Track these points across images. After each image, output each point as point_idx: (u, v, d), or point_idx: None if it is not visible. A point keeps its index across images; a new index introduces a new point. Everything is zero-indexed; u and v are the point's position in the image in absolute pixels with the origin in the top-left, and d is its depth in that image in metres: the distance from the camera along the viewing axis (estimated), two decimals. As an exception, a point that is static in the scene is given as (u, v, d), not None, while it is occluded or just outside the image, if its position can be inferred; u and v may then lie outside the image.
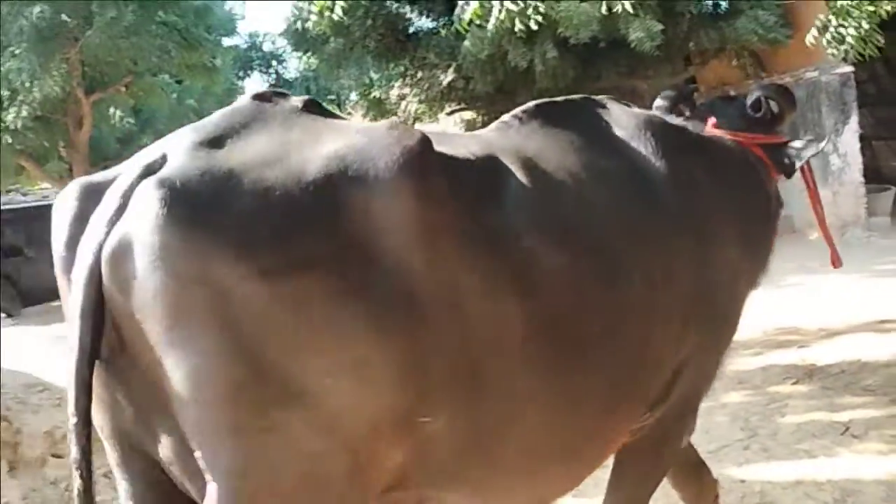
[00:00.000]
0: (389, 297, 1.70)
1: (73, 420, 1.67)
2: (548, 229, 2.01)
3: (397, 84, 15.39)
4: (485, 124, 16.31)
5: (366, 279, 1.68)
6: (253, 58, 35.87)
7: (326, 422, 1.66)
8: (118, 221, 1.64)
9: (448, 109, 16.19)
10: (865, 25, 5.76)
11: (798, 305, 8.24)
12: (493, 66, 13.13)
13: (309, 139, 1.78)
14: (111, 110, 19.80)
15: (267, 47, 35.67)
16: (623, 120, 2.52)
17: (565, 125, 2.38)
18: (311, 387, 1.64)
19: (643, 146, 2.45)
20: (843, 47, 5.72)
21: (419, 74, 14.53)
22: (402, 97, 15.51)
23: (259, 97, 1.90)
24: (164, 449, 1.74)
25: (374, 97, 16.07)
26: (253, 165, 1.68)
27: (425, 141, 1.83)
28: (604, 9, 7.98)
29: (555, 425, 2.07)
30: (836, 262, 3.14)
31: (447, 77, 14.62)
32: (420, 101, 15.66)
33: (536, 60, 12.41)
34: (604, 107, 2.57)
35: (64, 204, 1.81)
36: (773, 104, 2.93)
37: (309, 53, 15.43)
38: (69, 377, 1.67)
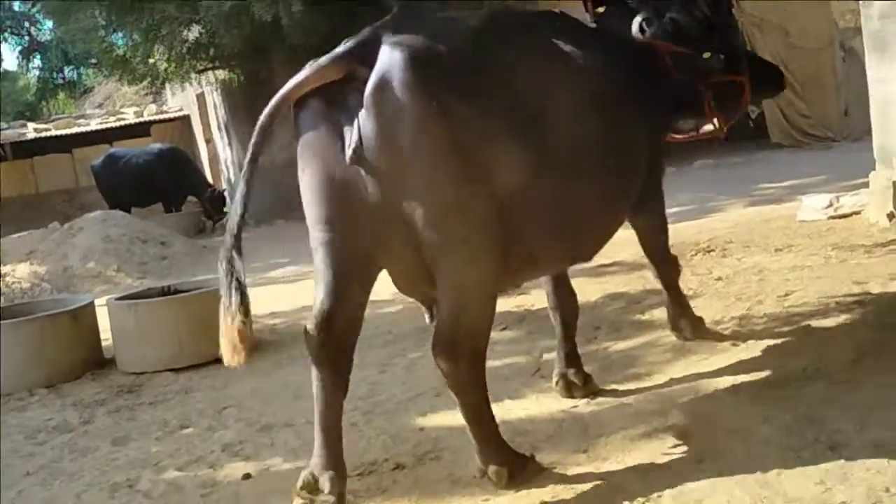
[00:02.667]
0: (522, 124, 3.01)
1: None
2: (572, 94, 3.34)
3: (142, 41, 14.29)
4: (241, 85, 15.47)
5: (514, 116, 2.98)
6: (2, 19, 32.92)
7: (494, 195, 2.92)
8: (374, 68, 2.78)
9: (200, 68, 15.30)
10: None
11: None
12: (239, 19, 12.46)
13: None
14: None
15: (18, 7, 32.75)
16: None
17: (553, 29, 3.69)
18: (491, 171, 2.89)
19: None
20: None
21: (162, 30, 13.57)
22: (147, 55, 14.48)
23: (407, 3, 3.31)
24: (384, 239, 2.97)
25: (118, 56, 14.91)
26: (440, 43, 2.92)
27: None
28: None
29: (599, 202, 3.46)
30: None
31: (192, 32, 13.78)
32: (167, 60, 14.70)
33: (282, 14, 11.87)
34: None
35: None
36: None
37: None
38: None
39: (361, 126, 2.75)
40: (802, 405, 3.37)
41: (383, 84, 2.73)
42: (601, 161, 3.34)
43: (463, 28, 3.11)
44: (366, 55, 2.81)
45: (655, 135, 4.09)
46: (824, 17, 13.98)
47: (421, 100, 2.73)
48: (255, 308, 7.87)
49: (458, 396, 3.13)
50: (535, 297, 6.29)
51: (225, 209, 17.36)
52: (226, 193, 18.09)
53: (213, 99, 17.31)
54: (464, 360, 3.03)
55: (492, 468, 3.18)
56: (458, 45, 2.93)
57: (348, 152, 2.78)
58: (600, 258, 7.32)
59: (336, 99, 2.87)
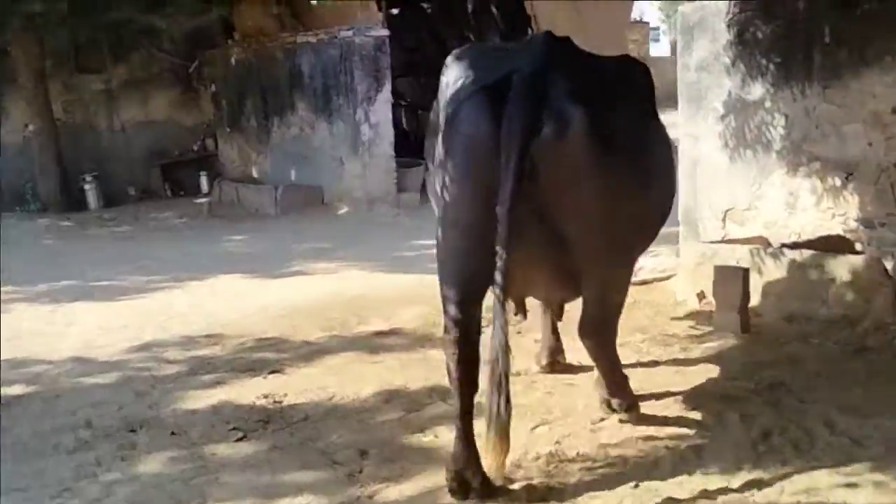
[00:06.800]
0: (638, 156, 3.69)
1: (504, 209, 3.10)
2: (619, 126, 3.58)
3: None
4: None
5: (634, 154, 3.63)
6: None
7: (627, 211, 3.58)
8: (540, 118, 3.20)
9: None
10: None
11: (295, 298, 6.95)
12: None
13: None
14: None
15: None
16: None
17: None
18: (625, 197, 3.53)
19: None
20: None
21: None
22: None
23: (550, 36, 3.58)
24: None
25: None
26: (589, 95, 3.37)
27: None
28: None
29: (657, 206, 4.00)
30: None
31: None
32: None
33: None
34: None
35: (478, 101, 3.34)
36: None
37: None
38: (503, 193, 3.11)
39: (538, 160, 3.19)
40: None
41: (560, 132, 3.23)
42: (660, 172, 3.98)
43: (600, 69, 3.71)
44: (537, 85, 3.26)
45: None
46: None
47: (592, 152, 3.29)
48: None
49: (597, 362, 4.04)
50: (287, 381, 4.96)
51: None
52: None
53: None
54: (604, 338, 3.91)
55: (615, 401, 4.06)
56: (606, 91, 3.54)
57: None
58: (379, 323, 6.16)
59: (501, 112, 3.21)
